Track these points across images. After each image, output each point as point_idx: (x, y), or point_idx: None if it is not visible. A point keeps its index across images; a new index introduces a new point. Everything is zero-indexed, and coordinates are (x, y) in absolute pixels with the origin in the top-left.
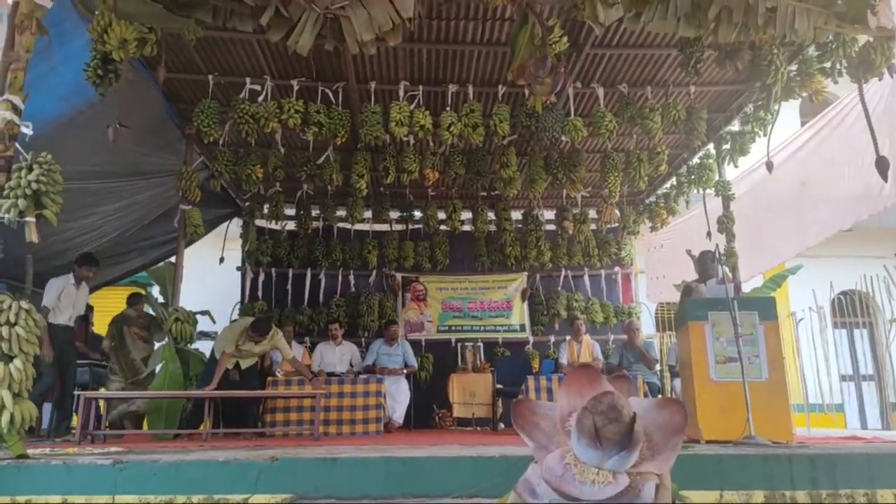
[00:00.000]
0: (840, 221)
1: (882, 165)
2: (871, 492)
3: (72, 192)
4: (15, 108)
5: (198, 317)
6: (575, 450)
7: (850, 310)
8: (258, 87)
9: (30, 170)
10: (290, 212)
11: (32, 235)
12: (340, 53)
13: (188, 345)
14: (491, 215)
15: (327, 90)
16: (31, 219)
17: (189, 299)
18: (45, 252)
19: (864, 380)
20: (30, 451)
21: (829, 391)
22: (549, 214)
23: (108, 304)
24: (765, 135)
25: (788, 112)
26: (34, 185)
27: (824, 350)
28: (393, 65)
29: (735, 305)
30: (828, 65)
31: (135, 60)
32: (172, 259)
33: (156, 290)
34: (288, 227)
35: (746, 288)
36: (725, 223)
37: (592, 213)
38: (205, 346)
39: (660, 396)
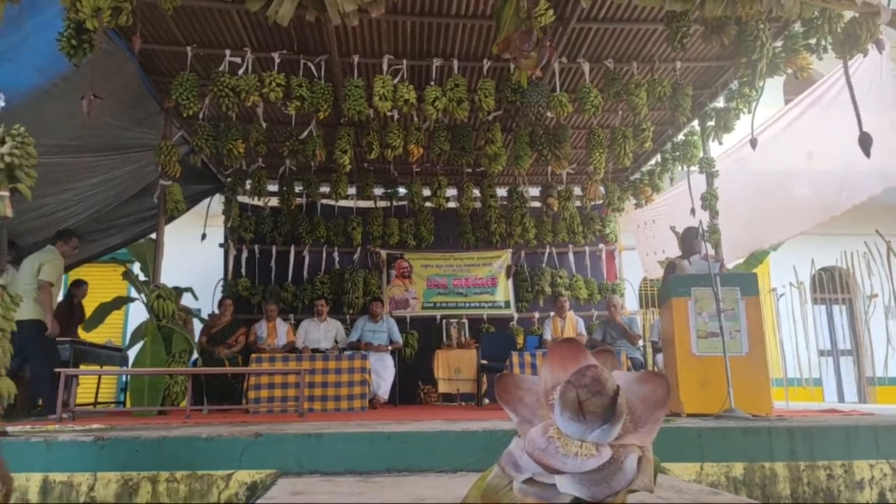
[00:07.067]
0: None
1: (865, 142)
2: (848, 463)
3: (47, 166)
4: None
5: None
6: (558, 423)
7: (830, 286)
8: (238, 60)
9: (2, 142)
10: (273, 188)
11: (6, 210)
12: (322, 25)
13: (170, 322)
14: (476, 192)
15: (309, 63)
16: (4, 193)
17: (171, 276)
18: (22, 227)
19: (842, 355)
20: (9, 429)
21: (807, 366)
22: (534, 191)
23: (88, 281)
24: (749, 112)
25: (772, 90)
26: (7, 159)
27: (804, 325)
28: (376, 38)
29: (717, 281)
30: (813, 41)
31: (110, 31)
32: (153, 235)
33: (137, 267)
34: (271, 204)
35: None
36: (709, 200)
37: (577, 191)
38: None
39: (643, 370)
